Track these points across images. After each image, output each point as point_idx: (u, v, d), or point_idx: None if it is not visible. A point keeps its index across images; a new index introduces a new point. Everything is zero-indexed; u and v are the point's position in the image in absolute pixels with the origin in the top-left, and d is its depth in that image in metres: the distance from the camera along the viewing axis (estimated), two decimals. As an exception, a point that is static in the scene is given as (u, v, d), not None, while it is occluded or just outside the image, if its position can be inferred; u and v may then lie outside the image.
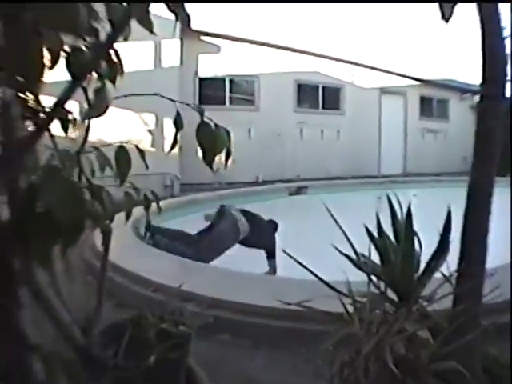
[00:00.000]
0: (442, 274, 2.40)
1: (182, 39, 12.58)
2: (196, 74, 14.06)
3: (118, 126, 10.34)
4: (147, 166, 1.90)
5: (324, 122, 16.36)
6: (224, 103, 14.63)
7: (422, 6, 15.86)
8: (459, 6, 2.13)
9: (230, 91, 14.86)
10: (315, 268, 2.59)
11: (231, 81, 14.86)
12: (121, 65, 1.73)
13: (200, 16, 13.09)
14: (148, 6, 1.42)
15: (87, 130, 1.76)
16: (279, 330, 3.63)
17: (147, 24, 1.50)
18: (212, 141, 1.64)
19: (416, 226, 2.46)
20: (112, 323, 2.22)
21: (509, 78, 2.41)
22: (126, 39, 1.70)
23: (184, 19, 1.58)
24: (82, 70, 1.43)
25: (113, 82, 1.71)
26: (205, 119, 1.67)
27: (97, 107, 1.58)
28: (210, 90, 14.58)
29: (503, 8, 2.41)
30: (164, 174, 11.51)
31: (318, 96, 16.49)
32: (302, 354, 3.26)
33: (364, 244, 2.52)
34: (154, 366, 1.87)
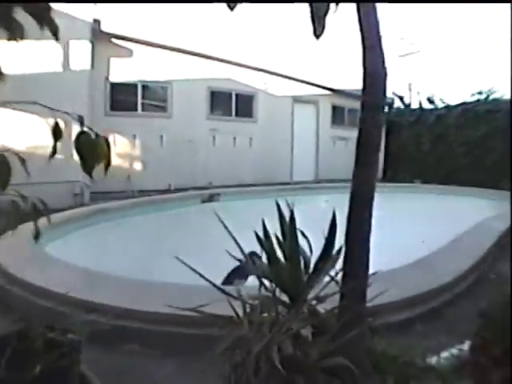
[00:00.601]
0: (329, 274, 2.50)
1: (92, 42, 12.28)
2: (107, 78, 13.72)
3: (24, 132, 9.99)
4: (28, 174, 1.84)
5: (237, 130, 16.44)
6: (136, 109, 14.38)
7: (339, 16, 16.31)
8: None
9: (143, 97, 14.60)
10: (220, 272, 2.60)
11: (144, 86, 14.63)
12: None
13: (112, 19, 12.86)
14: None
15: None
16: (187, 336, 3.61)
17: (49, 24, 1.45)
18: (91, 150, 1.62)
19: (321, 231, 2.54)
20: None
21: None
22: (20, 38, 1.64)
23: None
24: None
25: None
26: (85, 128, 1.64)
27: None
28: (122, 96, 14.26)
29: (503, 8, 2.51)
30: (73, 182, 11.18)
31: (231, 103, 16.53)
32: (209, 359, 3.26)
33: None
34: (41, 376, 1.82)
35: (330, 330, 2.23)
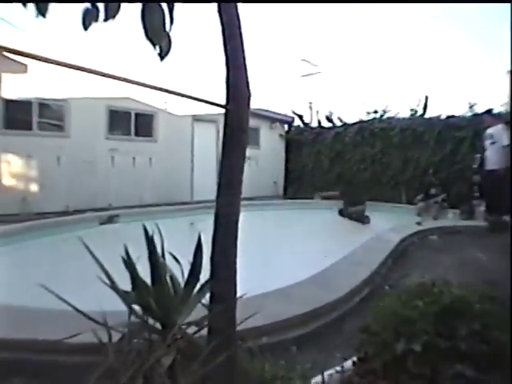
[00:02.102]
0: (199, 299, 2.54)
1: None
2: (-1, 94, 13.17)
3: None
4: None
5: (136, 149, 16.24)
6: (31, 128, 13.91)
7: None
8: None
9: (39, 115, 14.14)
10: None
11: (40, 104, 14.18)
12: None
13: (5, 31, 12.43)
14: None
15: None
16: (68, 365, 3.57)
17: None
18: None
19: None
20: None
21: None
22: None
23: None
24: None
25: None
26: None
27: None
28: (17, 114, 13.71)
29: (503, 8, 2.60)
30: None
31: (131, 123, 16.32)
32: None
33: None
34: None
35: (200, 355, 2.24)
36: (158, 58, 2.17)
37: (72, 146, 14.49)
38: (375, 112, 19.93)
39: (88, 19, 2.12)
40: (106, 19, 2.09)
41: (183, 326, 2.49)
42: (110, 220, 12.50)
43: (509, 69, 9.39)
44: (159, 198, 16.24)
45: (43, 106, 14.32)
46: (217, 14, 2.61)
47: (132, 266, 2.50)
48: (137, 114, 16.50)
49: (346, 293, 5.48)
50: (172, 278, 2.62)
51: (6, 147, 12.95)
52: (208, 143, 18.89)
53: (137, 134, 16.53)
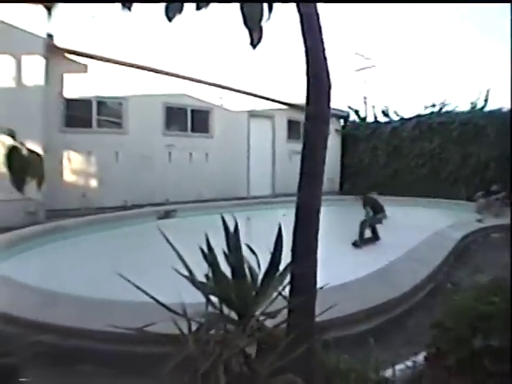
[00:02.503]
0: (277, 290, 2.49)
1: (46, 57, 12.13)
2: (61, 94, 13.52)
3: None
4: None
5: (193, 145, 16.41)
6: (91, 126, 14.21)
7: (291, 31, 16.52)
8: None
9: (98, 113, 14.44)
10: (163, 289, 2.61)
11: (99, 102, 14.48)
12: None
13: (66, 33, 12.71)
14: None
15: None
16: (141, 356, 3.59)
17: None
18: (22, 165, 1.61)
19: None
20: None
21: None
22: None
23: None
24: None
25: None
26: (16, 143, 1.64)
27: None
28: (77, 112, 14.05)
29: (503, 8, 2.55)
30: (26, 200, 10.97)
31: (187, 119, 16.50)
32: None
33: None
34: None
35: (278, 346, 2.23)
36: (251, 46, 2.12)
37: (130, 142, 14.75)
38: (433, 106, 19.45)
39: (172, 11, 2.08)
40: (198, 8, 2.06)
41: (261, 318, 2.44)
42: (168, 215, 12.65)
43: None
44: (216, 193, 16.32)
45: (102, 104, 14.62)
46: (294, 8, 2.56)
47: (212, 257, 2.48)
48: (193, 110, 16.65)
49: (409, 289, 5.35)
50: (250, 269, 2.57)
51: (67, 144, 13.26)
52: (264, 139, 18.91)
53: (193, 130, 16.67)
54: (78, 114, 14.09)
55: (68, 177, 13.31)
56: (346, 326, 4.13)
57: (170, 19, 2.16)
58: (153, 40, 14.71)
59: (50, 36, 12.29)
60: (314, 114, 2.63)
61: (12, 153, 1.62)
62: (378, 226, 10.15)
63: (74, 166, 13.49)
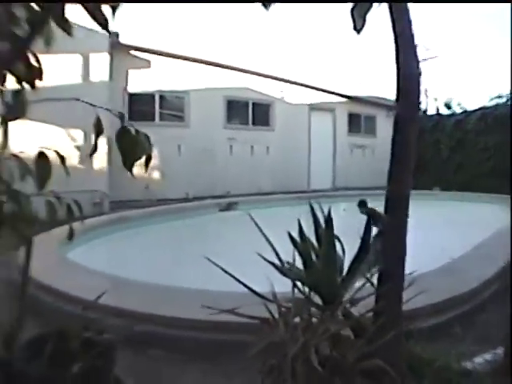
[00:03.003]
0: (364, 276, 2.45)
1: (111, 53, 12.42)
2: (125, 89, 13.83)
3: (43, 142, 10.01)
4: (68, 173, 1.85)
5: (254, 138, 16.50)
6: (154, 119, 14.47)
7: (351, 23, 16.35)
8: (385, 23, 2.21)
9: (160, 107, 14.71)
10: (244, 279, 2.60)
11: (161, 96, 14.74)
12: (40, 69, 1.69)
13: (130, 30, 13.01)
14: (63, 6, 1.40)
15: (5, 133, 1.70)
16: (212, 342, 3.61)
17: (65, 26, 1.46)
18: (132, 146, 1.63)
19: (344, 237, 2.52)
20: (34, 337, 2.15)
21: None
22: (48, 43, 1.66)
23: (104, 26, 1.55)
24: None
25: (32, 85, 1.66)
26: (125, 125, 1.65)
27: (16, 109, 1.55)
28: (140, 106, 14.38)
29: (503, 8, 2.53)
30: (93, 192, 11.26)
31: (248, 112, 16.60)
32: (236, 364, 3.25)
33: (291, 254, 2.55)
34: (80, 374, 1.83)
35: (365, 333, 2.21)
36: (355, 31, 2.10)
37: (192, 135, 14.94)
38: (499, 97, 18.72)
39: None
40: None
41: (347, 305, 2.41)
42: (229, 207, 12.70)
43: None
44: (276, 186, 16.33)
45: (164, 98, 14.84)
46: None
47: (306, 244, 2.49)
48: (254, 104, 16.73)
49: (479, 284, 5.19)
50: (337, 256, 2.55)
51: (131, 137, 13.51)
52: (325, 132, 18.80)
53: (254, 123, 16.77)
54: (142, 108, 14.39)
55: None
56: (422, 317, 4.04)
57: (265, 6, 2.15)
58: (214, 34, 14.83)
59: (114, 34, 12.60)
60: (405, 100, 2.60)
61: (122, 133, 1.64)
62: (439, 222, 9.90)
63: (137, 159, 13.76)
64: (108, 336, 2.12)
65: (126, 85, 13.92)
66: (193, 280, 6.09)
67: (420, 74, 2.53)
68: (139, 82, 14.14)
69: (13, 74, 1.53)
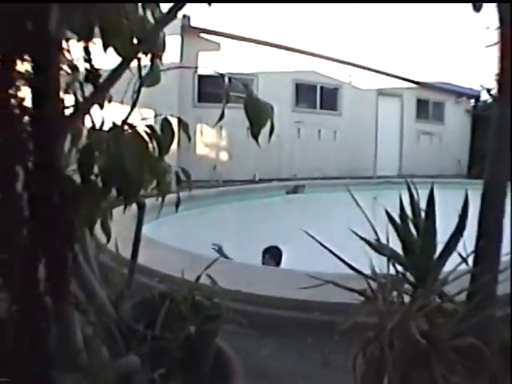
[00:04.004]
0: (459, 254, 2.48)
1: (182, 36, 12.63)
2: (195, 71, 14.04)
3: (114, 121, 10.30)
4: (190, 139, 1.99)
5: (321, 122, 16.45)
6: (221, 101, 14.61)
7: (420, 7, 16.01)
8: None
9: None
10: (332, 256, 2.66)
11: (230, 79, 14.83)
12: (164, 42, 1.84)
13: (200, 13, 13.14)
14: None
15: (136, 100, 1.86)
16: (288, 320, 3.69)
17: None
18: (258, 114, 1.74)
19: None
20: (142, 298, 2.28)
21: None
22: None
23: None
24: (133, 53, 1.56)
25: (160, 58, 1.82)
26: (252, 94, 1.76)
27: (152, 78, 1.71)
28: (209, 88, 14.55)
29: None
30: (163, 170, 11.52)
31: (316, 96, 16.56)
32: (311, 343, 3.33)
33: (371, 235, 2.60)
34: (191, 338, 1.93)
35: (457, 312, 2.25)
36: (474, 11, 2.12)
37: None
38: None
39: None
40: None
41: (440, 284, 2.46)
42: (296, 190, 12.77)
43: None
44: (342, 171, 16.25)
45: (233, 80, 14.91)
46: None
47: (406, 222, 2.54)
48: (322, 87, 16.68)
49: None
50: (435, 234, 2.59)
51: (200, 119, 13.71)
52: (392, 118, 18.53)
53: (322, 107, 16.73)
54: (211, 90, 14.55)
55: (200, 150, 13.81)
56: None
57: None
58: (283, 17, 14.80)
59: (186, 17, 12.80)
60: (506, 90, 2.60)
61: (249, 101, 1.75)
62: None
63: (205, 140, 13.98)
64: (217, 300, 2.21)
65: (196, 67, 14.11)
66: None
67: None
68: (209, 64, 14.30)
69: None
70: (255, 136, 1.77)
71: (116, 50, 1.59)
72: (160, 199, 2.19)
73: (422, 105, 19.50)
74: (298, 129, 15.91)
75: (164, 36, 1.81)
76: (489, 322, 2.32)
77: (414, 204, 2.55)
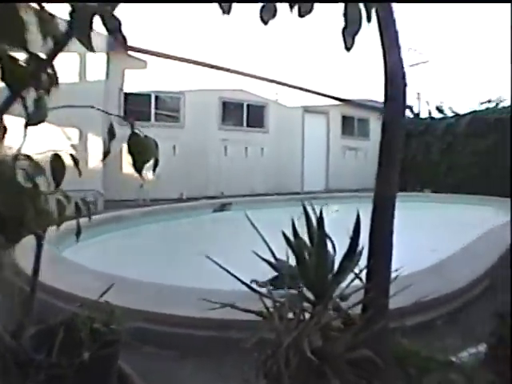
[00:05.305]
0: (353, 272, 2.59)
1: (108, 53, 12.52)
2: (121, 89, 13.92)
3: (38, 141, 10.06)
4: (80, 174, 1.98)
5: (248, 140, 16.64)
6: (149, 119, 14.57)
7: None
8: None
9: (156, 107, 14.81)
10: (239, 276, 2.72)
11: (157, 97, 14.85)
12: (56, 76, 1.82)
13: (127, 31, 13.06)
14: (91, 28, 1.53)
15: (24, 138, 1.84)
16: (205, 339, 3.72)
17: (88, 45, 1.60)
18: (142, 150, 1.77)
19: (336, 237, 2.65)
20: (43, 327, 2.26)
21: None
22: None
23: (114, 32, 1.70)
24: (21, 83, 1.53)
25: (48, 92, 1.80)
26: (135, 130, 1.79)
27: (38, 115, 1.68)
28: (136, 106, 14.47)
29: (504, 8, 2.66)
30: (87, 191, 11.29)
31: (243, 114, 16.75)
32: (229, 361, 3.36)
33: (284, 254, 2.69)
34: (87, 363, 1.94)
35: (353, 325, 2.34)
36: (345, 50, 2.23)
37: (186, 135, 15.08)
38: (489, 101, 19.00)
39: (266, 15, 2.21)
40: (301, 16, 2.17)
41: (337, 300, 2.55)
42: (223, 208, 12.81)
43: None
44: (270, 187, 16.47)
45: (160, 98, 14.94)
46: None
47: (299, 242, 2.65)
48: (249, 105, 16.90)
49: (467, 284, 5.34)
50: (328, 253, 2.69)
51: (127, 137, 13.53)
52: (318, 134, 18.99)
53: (249, 125, 16.93)
54: (137, 108, 14.47)
55: (127, 169, 13.67)
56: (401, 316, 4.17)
57: (265, 22, 2.29)
58: (210, 36, 14.92)
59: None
60: (391, 108, 2.76)
61: (132, 138, 1.78)
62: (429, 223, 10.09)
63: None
64: (115, 327, 2.23)
65: (122, 85, 14.00)
66: (186, 279, 6.22)
67: (406, 85, 2.69)
68: (135, 82, 14.23)
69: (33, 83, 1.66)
70: (138, 171, 1.80)
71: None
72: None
73: (347, 121, 20.06)
74: (225, 146, 16.01)
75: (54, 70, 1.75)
76: (382, 334, 2.43)
77: (309, 224, 2.64)
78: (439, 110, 20.82)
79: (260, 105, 17.19)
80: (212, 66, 15.31)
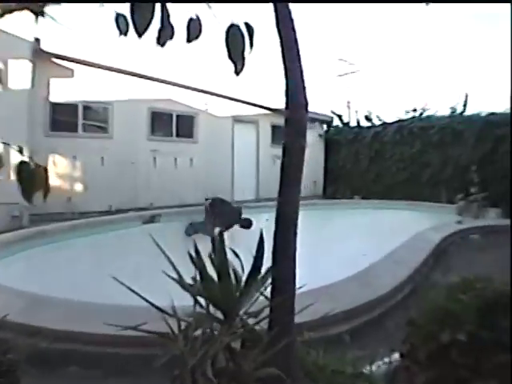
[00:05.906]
0: (259, 291, 2.67)
1: (33, 61, 12.19)
2: (47, 98, 13.58)
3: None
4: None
5: (177, 150, 16.55)
6: (77, 130, 14.29)
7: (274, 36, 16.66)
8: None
9: (84, 118, 14.53)
10: (150, 293, 2.76)
11: (84, 107, 14.58)
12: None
13: (53, 38, 12.74)
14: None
15: None
16: (126, 357, 3.73)
17: None
18: (31, 178, 1.79)
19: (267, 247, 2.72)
20: None
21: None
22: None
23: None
24: None
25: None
26: (24, 158, 1.82)
27: None
28: (63, 116, 14.13)
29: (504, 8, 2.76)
30: (11, 205, 11.00)
31: (172, 124, 16.67)
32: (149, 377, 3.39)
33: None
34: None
35: (260, 342, 2.41)
36: (234, 74, 2.31)
37: (115, 146, 14.86)
38: (414, 111, 19.87)
39: (163, 37, 2.28)
40: (188, 40, 2.25)
41: (244, 317, 2.61)
42: (152, 219, 12.74)
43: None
44: (200, 198, 16.37)
45: (88, 108, 14.70)
46: (275, 27, 2.74)
47: (200, 261, 2.65)
48: (178, 116, 16.84)
49: (389, 291, 5.52)
50: (234, 271, 2.74)
51: (53, 148, 13.29)
52: (248, 144, 19.14)
53: (178, 135, 16.86)
54: (64, 119, 14.16)
55: (53, 181, 13.34)
56: (325, 326, 4.27)
57: (162, 45, 2.35)
58: (138, 45, 14.76)
59: (37, 40, 12.37)
60: (291, 127, 2.92)
61: (21, 166, 1.80)
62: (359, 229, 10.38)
63: (59, 170, 13.53)
64: (11, 356, 2.22)
65: (48, 94, 13.65)
66: (112, 295, 6.16)
67: (307, 104, 2.77)
68: (62, 91, 13.90)
69: None
70: (27, 199, 1.83)
71: None
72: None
73: (277, 130, 20.20)
74: (154, 157, 15.87)
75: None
76: (289, 350, 2.51)
77: (214, 241, 2.69)
78: (368, 118, 21.46)
79: (189, 115, 17.14)
80: (140, 76, 15.14)
